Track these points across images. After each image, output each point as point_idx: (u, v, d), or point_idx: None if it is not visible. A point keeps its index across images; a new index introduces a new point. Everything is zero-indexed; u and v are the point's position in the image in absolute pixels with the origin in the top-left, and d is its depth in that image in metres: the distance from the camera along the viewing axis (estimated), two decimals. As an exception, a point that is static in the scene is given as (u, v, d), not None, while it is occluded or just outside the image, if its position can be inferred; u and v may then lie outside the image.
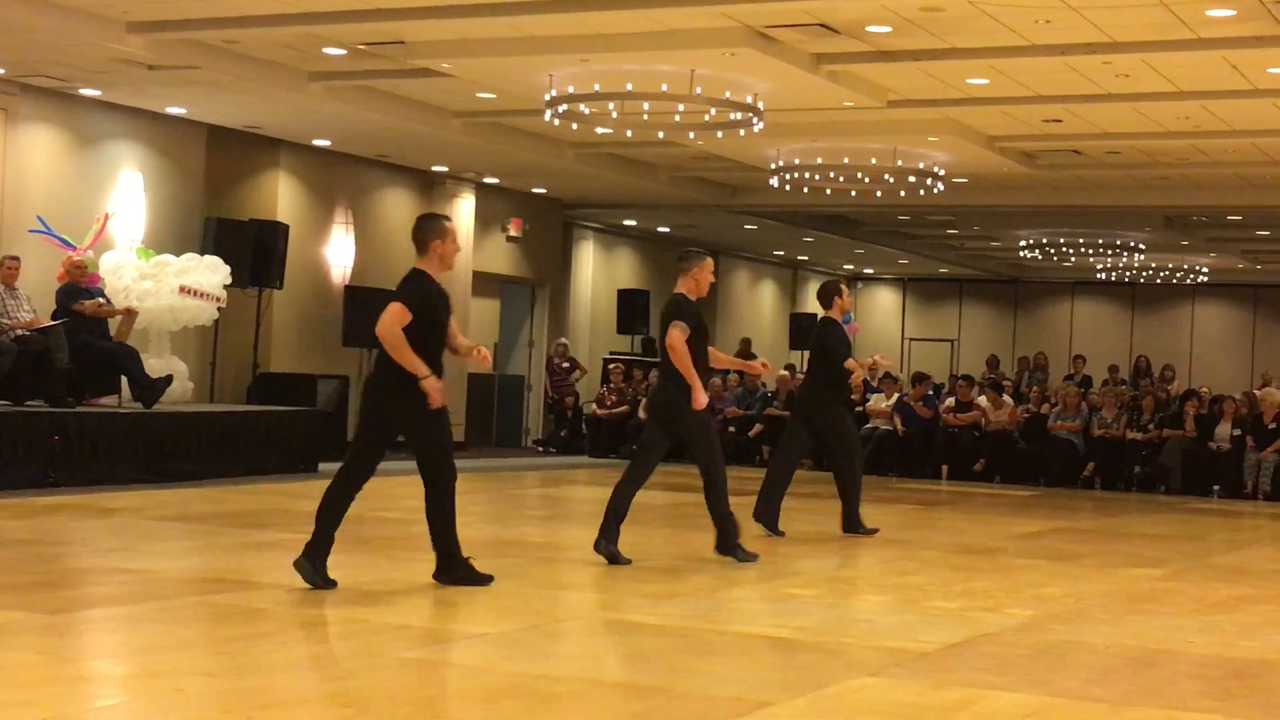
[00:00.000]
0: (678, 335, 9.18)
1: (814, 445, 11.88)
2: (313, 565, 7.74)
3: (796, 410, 11.73)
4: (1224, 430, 18.26)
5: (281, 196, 18.50)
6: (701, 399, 9.25)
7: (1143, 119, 15.75)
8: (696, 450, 9.42)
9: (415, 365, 7.75)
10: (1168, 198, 20.98)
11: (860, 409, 19.87)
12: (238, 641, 6.36)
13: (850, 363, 11.09)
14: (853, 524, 11.42)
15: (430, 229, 7.89)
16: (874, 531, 11.46)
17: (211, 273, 15.56)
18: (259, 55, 14.55)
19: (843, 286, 11.44)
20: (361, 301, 19.10)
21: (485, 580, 8.10)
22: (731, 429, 20.58)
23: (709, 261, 9.54)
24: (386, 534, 10.64)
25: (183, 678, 5.60)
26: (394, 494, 13.83)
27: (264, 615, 7.00)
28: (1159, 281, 30.59)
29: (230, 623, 6.84)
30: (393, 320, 7.71)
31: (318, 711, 5.27)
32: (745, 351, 25.44)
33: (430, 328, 7.85)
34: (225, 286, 15.74)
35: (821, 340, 11.22)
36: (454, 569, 8.04)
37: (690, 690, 5.68)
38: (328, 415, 17.09)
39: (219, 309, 15.76)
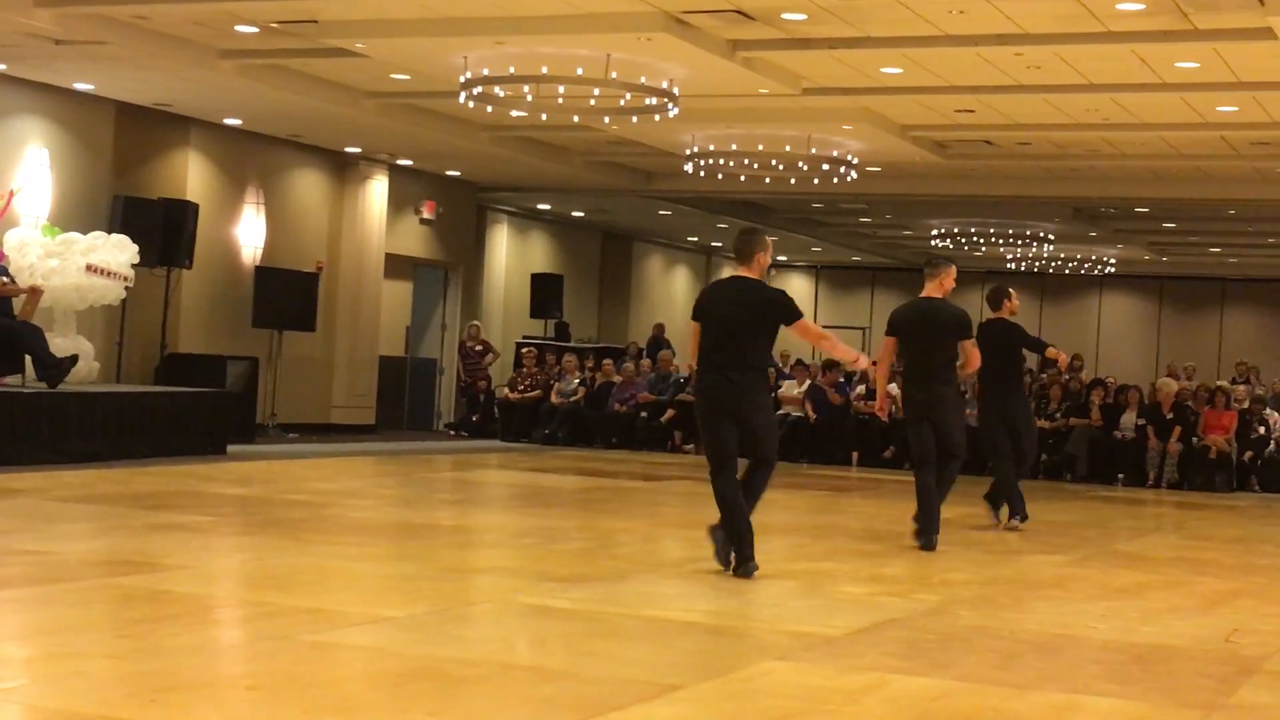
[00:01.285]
0: (978, 355, 10.55)
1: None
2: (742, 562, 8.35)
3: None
4: (1129, 420, 18.52)
5: (191, 175, 18.28)
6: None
7: (1053, 110, 15.92)
8: (955, 436, 10.43)
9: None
10: (1077, 189, 21.23)
11: (773, 393, 19.97)
12: (142, 624, 6.29)
13: (1051, 351, 12.28)
14: (1000, 503, 11.93)
15: (757, 242, 8.57)
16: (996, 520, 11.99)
17: (119, 251, 15.36)
18: (169, 32, 14.35)
19: (1011, 290, 12.04)
20: (272, 282, 18.97)
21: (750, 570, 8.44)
22: (644, 414, 20.61)
23: (954, 268, 10.57)
24: (295, 516, 10.56)
25: (86, 660, 5.53)
26: (303, 476, 13.74)
27: (169, 598, 6.92)
28: (1067, 272, 30.99)
29: (135, 605, 6.76)
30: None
31: (222, 694, 5.22)
32: (659, 337, 25.47)
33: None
34: (133, 265, 15.55)
35: (1014, 341, 11.73)
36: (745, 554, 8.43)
37: (599, 674, 5.69)
38: (237, 396, 16.94)
39: (126, 288, 15.57)
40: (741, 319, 8.37)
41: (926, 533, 10.08)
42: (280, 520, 10.35)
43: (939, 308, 10.33)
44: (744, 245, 8.61)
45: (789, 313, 8.45)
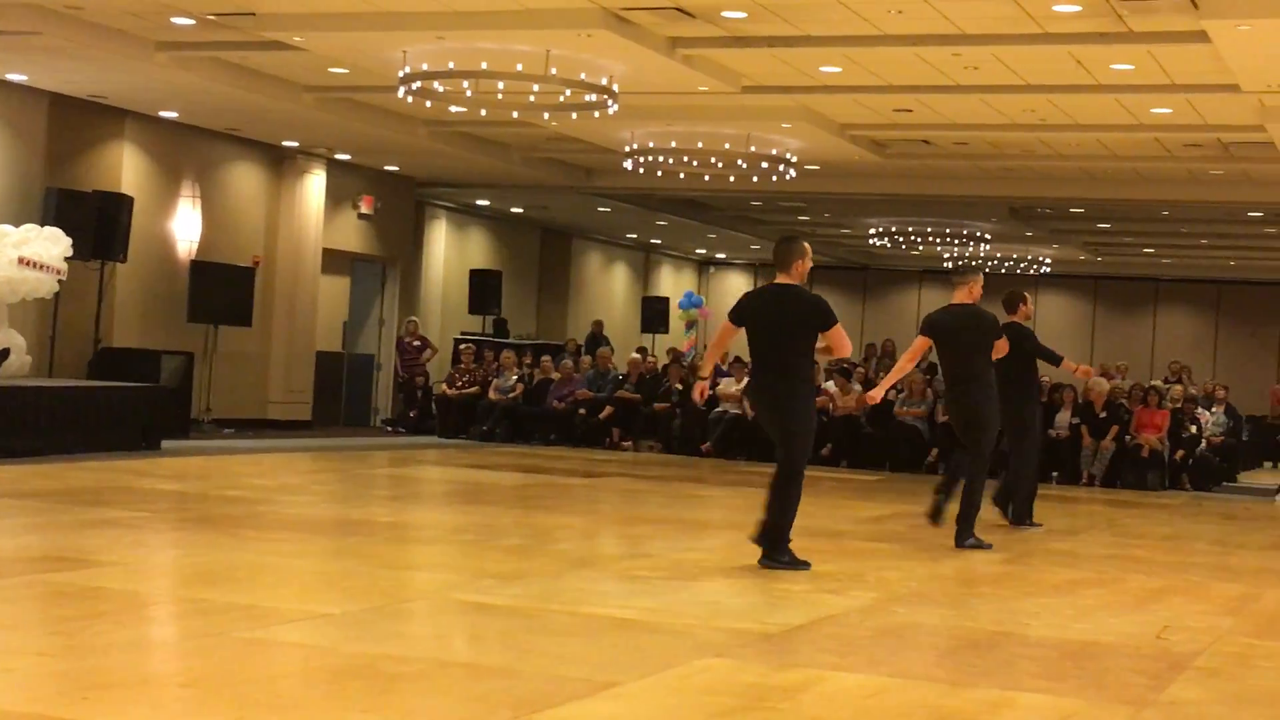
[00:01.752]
0: (1006, 345, 10.90)
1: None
2: (780, 558, 8.81)
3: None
4: (1063, 418, 18.66)
5: (126, 168, 18.11)
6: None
7: (990, 111, 16.03)
8: (983, 438, 10.63)
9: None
10: (1013, 189, 21.38)
11: (712, 391, 20.00)
12: (74, 621, 6.23)
13: (1068, 364, 12.37)
14: (1023, 517, 12.19)
15: (796, 250, 8.86)
16: (1040, 526, 12.23)
17: (52, 244, 15.20)
18: (104, 22, 14.20)
19: (1026, 295, 12.35)
20: (208, 276, 18.82)
21: (804, 565, 8.79)
22: (582, 411, 20.60)
23: (982, 275, 10.97)
24: (232, 513, 10.49)
25: (15, 658, 5.47)
26: (239, 472, 13.65)
27: (102, 594, 6.86)
28: (1004, 271, 31.19)
29: (66, 602, 6.69)
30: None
31: (155, 691, 5.17)
32: (597, 334, 25.46)
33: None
34: (66, 259, 15.39)
35: (1025, 344, 11.87)
36: (779, 552, 8.80)
37: (536, 671, 5.68)
38: (172, 392, 16.80)
39: (59, 281, 15.41)
40: (784, 325, 8.73)
41: (938, 505, 10.62)
42: (215, 516, 10.28)
43: (976, 313, 10.69)
44: (784, 253, 8.87)
45: (826, 318, 8.77)
